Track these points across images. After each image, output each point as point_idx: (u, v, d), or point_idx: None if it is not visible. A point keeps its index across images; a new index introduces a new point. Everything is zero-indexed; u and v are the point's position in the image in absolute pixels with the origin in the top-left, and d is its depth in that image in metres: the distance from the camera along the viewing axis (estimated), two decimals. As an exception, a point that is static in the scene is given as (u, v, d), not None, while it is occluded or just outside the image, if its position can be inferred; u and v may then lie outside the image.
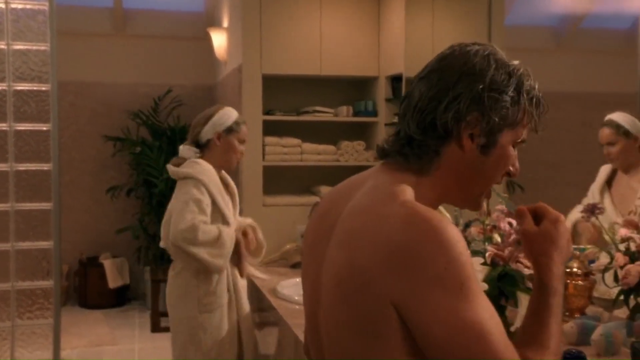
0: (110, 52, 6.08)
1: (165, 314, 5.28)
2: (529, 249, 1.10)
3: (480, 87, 1.00)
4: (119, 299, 5.95)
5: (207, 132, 2.73)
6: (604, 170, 2.48)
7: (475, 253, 1.65)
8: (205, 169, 2.67)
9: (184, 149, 2.78)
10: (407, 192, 1.00)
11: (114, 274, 5.84)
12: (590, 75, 3.20)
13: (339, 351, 1.01)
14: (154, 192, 5.64)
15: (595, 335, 1.62)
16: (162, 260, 5.82)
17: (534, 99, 1.05)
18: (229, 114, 2.77)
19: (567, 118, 3.08)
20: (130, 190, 5.90)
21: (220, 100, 5.31)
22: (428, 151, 1.03)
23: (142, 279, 6.02)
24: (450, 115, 1.00)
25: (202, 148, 2.74)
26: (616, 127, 2.37)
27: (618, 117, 2.40)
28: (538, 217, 1.11)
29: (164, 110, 5.98)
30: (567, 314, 1.96)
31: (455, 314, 0.88)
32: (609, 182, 2.47)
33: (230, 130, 2.72)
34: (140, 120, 5.90)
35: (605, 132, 2.40)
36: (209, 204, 2.62)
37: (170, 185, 5.57)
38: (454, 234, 0.92)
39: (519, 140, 1.07)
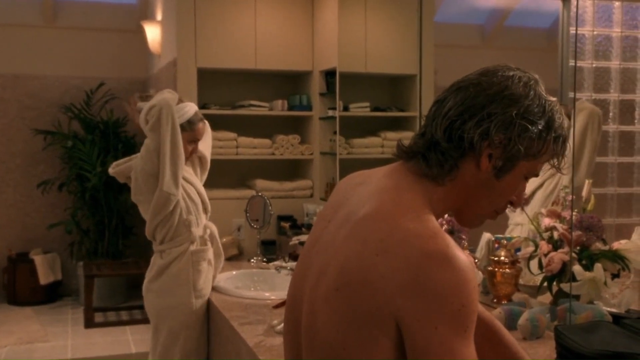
0: (40, 44, 5.93)
1: (100, 309, 5.27)
2: None
3: (514, 112, 1.03)
4: (51, 295, 5.82)
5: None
6: None
7: None
8: None
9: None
10: (429, 209, 1.02)
11: (46, 270, 5.71)
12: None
13: (324, 333, 1.03)
14: (87, 186, 5.55)
15: (522, 320, 1.71)
16: (95, 255, 5.74)
17: (560, 139, 1.08)
18: (185, 110, 2.73)
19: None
20: (62, 184, 5.79)
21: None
22: (449, 160, 1.05)
23: (75, 274, 5.91)
24: (478, 131, 1.02)
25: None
26: None
27: None
28: None
29: (97, 104, 5.88)
30: (494, 300, 2.08)
31: (451, 352, 0.91)
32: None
33: (182, 128, 2.67)
34: (72, 114, 5.79)
35: None
36: None
37: (105, 179, 5.51)
38: (473, 276, 0.95)
39: (533, 173, 1.10)
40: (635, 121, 2.61)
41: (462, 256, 0.95)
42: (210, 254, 2.79)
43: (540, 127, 1.04)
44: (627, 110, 2.60)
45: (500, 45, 3.48)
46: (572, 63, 2.63)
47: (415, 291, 0.92)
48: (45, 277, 5.68)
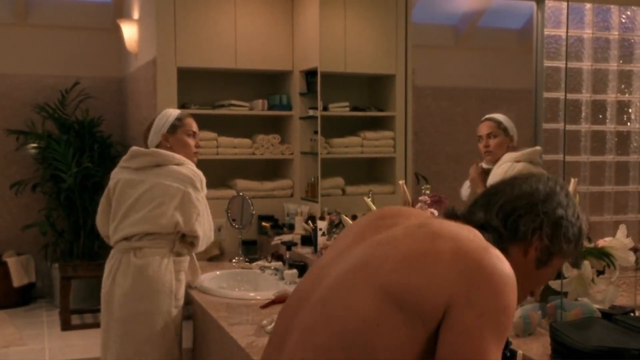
0: (12, 42, 5.81)
1: (76, 311, 5.20)
2: None
3: (562, 214, 1.21)
4: (24, 297, 5.73)
5: (153, 140, 2.74)
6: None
7: None
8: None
9: (155, 151, 2.77)
10: None
11: (19, 272, 5.61)
12: (488, 72, 3.37)
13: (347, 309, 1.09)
14: (62, 187, 5.47)
15: (515, 317, 1.75)
16: (70, 256, 5.67)
17: (581, 246, 1.27)
18: (167, 114, 2.78)
19: (466, 112, 3.25)
20: (36, 185, 5.70)
21: (133, 93, 5.23)
22: (502, 243, 1.19)
23: (49, 276, 5.83)
24: (533, 225, 1.20)
25: None
26: (497, 122, 2.58)
27: (498, 116, 2.62)
28: None
29: (72, 103, 5.80)
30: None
31: (484, 342, 1.02)
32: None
33: (174, 127, 2.72)
34: (46, 114, 5.69)
35: (488, 124, 2.60)
36: None
37: (80, 180, 5.44)
38: (516, 293, 1.09)
39: (558, 270, 1.28)
40: (607, 121, 2.67)
41: (511, 269, 1.10)
42: (186, 265, 2.76)
43: (576, 231, 1.23)
44: (598, 110, 2.66)
45: (473, 46, 3.52)
46: (547, 64, 2.69)
47: (472, 279, 1.05)
48: (18, 279, 5.58)
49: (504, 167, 2.44)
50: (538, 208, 1.20)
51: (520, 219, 1.20)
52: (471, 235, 1.14)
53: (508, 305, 1.05)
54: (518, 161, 2.44)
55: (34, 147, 5.72)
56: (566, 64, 2.25)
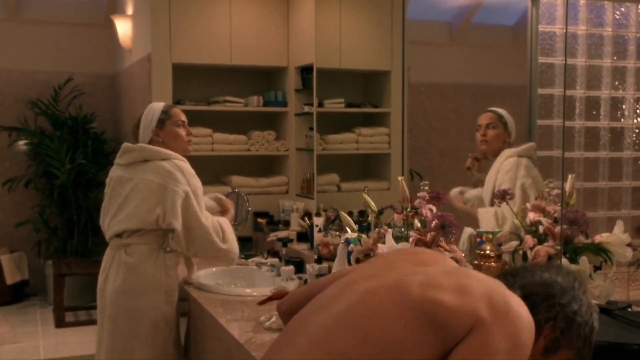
0: (4, 38, 5.77)
1: (70, 309, 5.18)
2: None
3: (577, 309, 1.24)
4: (17, 295, 5.70)
5: (144, 136, 2.70)
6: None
7: (397, 239, 1.77)
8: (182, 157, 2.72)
9: (142, 146, 2.71)
10: None
11: (12, 269, 5.59)
12: (481, 68, 3.38)
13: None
14: (56, 183, 5.45)
15: None
16: (64, 253, 5.65)
17: (592, 342, 1.27)
18: (153, 109, 2.73)
19: (460, 109, 3.25)
20: (29, 182, 5.67)
21: (126, 89, 5.21)
22: None
23: (42, 273, 5.80)
24: (548, 315, 1.23)
25: None
26: (499, 115, 2.59)
27: (501, 110, 2.62)
28: None
29: (65, 99, 5.77)
30: None
31: None
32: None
33: (161, 121, 2.68)
34: (38, 110, 5.66)
35: (490, 115, 2.61)
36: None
37: (73, 176, 5.42)
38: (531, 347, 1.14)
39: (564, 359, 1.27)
40: (601, 117, 2.68)
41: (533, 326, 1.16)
42: (178, 260, 2.73)
43: (587, 330, 1.25)
44: (592, 106, 2.67)
45: (467, 42, 3.52)
46: (541, 60, 2.70)
47: (500, 310, 1.11)
48: (11, 276, 5.56)
49: (511, 162, 2.44)
50: (555, 299, 1.24)
51: (536, 306, 1.22)
52: (499, 284, 1.20)
53: (524, 345, 1.10)
54: (521, 156, 2.44)
55: (25, 144, 5.70)
56: (565, 60, 2.26)
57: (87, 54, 5.95)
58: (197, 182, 2.68)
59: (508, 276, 1.29)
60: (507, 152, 2.50)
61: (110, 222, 2.69)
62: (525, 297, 1.21)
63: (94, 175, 5.57)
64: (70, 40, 5.92)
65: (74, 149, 5.54)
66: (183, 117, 2.75)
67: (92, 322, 5.13)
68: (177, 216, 2.57)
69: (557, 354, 1.24)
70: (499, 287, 1.17)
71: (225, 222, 2.80)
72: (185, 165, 2.67)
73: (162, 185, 2.58)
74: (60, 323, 4.97)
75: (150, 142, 2.71)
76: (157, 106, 2.75)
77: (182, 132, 2.72)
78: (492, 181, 2.44)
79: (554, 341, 1.23)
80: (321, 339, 1.14)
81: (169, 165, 2.61)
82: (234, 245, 2.78)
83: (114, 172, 2.75)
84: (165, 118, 2.70)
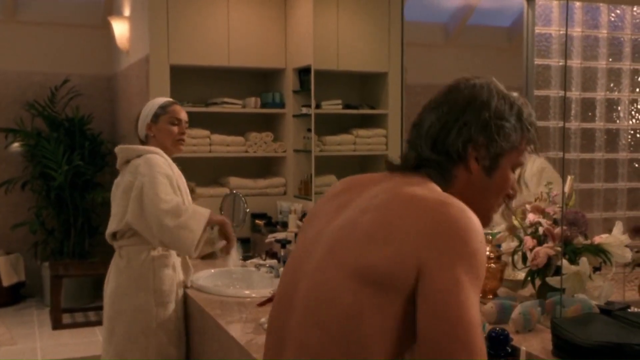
0: (1, 39, 5.76)
1: (67, 310, 5.17)
2: None
3: (487, 115, 1.14)
4: (14, 296, 5.69)
5: (141, 130, 2.66)
6: None
7: None
8: (159, 149, 2.59)
9: (121, 147, 2.65)
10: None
11: (9, 271, 5.58)
12: (478, 70, 3.39)
13: (328, 295, 1.07)
14: (52, 185, 5.44)
15: (515, 314, 1.75)
16: (61, 255, 5.64)
17: (532, 127, 1.19)
18: (152, 103, 2.68)
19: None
20: (25, 183, 5.66)
21: (123, 91, 5.21)
22: (445, 172, 1.15)
23: (39, 274, 5.79)
24: (460, 140, 1.14)
25: (145, 145, 2.67)
26: None
27: None
28: None
29: (62, 101, 5.76)
30: (480, 295, 2.12)
31: (464, 293, 0.99)
32: None
33: (157, 115, 2.61)
34: (35, 111, 5.66)
35: None
36: (176, 181, 2.56)
37: (70, 178, 5.41)
38: (482, 233, 1.05)
39: (518, 163, 1.20)
40: (596, 119, 2.69)
41: (474, 215, 1.06)
42: (173, 259, 2.67)
43: (513, 122, 1.16)
44: (588, 108, 2.68)
45: (462, 44, 3.54)
46: (537, 61, 2.71)
47: (436, 236, 1.02)
48: (8, 278, 5.55)
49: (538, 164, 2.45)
50: (459, 122, 1.14)
51: (447, 139, 1.14)
52: (421, 191, 1.09)
53: (477, 250, 1.02)
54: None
55: (20, 146, 5.69)
56: (565, 62, 2.27)
57: (84, 55, 5.94)
58: (160, 170, 2.51)
59: (415, 129, 1.19)
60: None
61: (108, 225, 2.70)
62: (435, 140, 1.14)
63: (91, 177, 5.57)
64: (67, 41, 5.91)
65: (71, 150, 5.54)
66: (181, 116, 2.68)
67: (89, 323, 5.14)
68: (133, 210, 2.49)
69: (501, 165, 1.17)
70: (424, 202, 1.06)
71: (197, 211, 2.55)
72: (155, 157, 2.55)
73: (133, 182, 2.51)
74: (57, 325, 4.96)
75: (146, 137, 2.69)
76: (158, 101, 2.69)
77: (174, 129, 2.64)
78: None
79: (485, 157, 1.15)
80: (300, 342, 1.10)
81: (141, 160, 2.54)
82: (186, 230, 2.48)
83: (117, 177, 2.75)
84: (160, 113, 2.64)
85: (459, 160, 1.14)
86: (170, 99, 2.76)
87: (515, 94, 1.20)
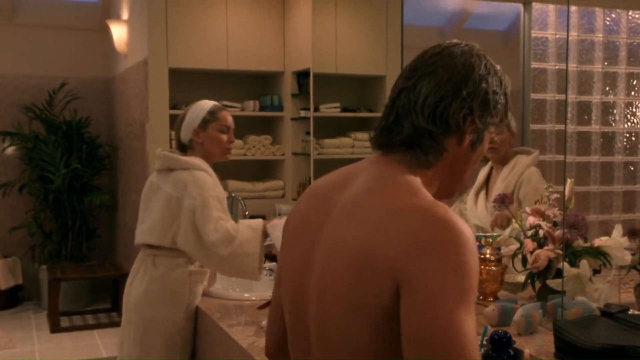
0: (-2, 42, 5.78)
1: (65, 314, 5.16)
2: None
3: (486, 89, 1.10)
4: (11, 300, 5.68)
5: (185, 134, 2.51)
6: (482, 173, 2.69)
7: None
8: (204, 162, 2.47)
9: (165, 154, 2.51)
10: (422, 186, 1.06)
11: (6, 274, 5.57)
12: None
13: (330, 321, 1.04)
14: (50, 188, 5.44)
15: (517, 316, 1.76)
16: (58, 258, 5.63)
17: (508, 99, 1.16)
18: (200, 107, 2.53)
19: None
20: (23, 186, 5.66)
21: (121, 94, 5.21)
22: (439, 144, 1.09)
23: (36, 278, 5.79)
24: (463, 113, 1.08)
25: (187, 150, 2.53)
26: None
27: None
28: None
29: (59, 104, 5.76)
30: (481, 298, 2.13)
31: (451, 314, 0.92)
32: (486, 183, 2.69)
33: (205, 122, 2.48)
34: (33, 114, 5.65)
35: None
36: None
37: (68, 181, 5.41)
38: (472, 240, 0.98)
39: (492, 136, 1.19)
40: (592, 122, 2.71)
41: (461, 221, 0.99)
42: (206, 277, 2.61)
43: (502, 97, 1.13)
44: (584, 111, 2.69)
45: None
46: (534, 65, 2.72)
47: (418, 252, 0.95)
48: (5, 281, 5.54)
49: (532, 171, 2.47)
50: (462, 92, 1.08)
51: (447, 110, 1.07)
52: (401, 196, 1.02)
53: (465, 262, 0.95)
54: (536, 165, 2.47)
55: (18, 149, 5.69)
56: (567, 66, 2.28)
57: (82, 58, 5.95)
58: (209, 192, 2.43)
59: (405, 94, 1.10)
60: (523, 159, 2.51)
61: (138, 228, 2.61)
62: (434, 109, 1.07)
63: (89, 180, 5.57)
64: (65, 44, 5.92)
65: (69, 153, 5.54)
66: (229, 123, 2.56)
67: (87, 327, 5.14)
68: (187, 237, 2.42)
69: (485, 139, 1.14)
70: (405, 214, 0.99)
71: (250, 227, 2.46)
72: (203, 175, 2.46)
73: (179, 199, 2.42)
74: (55, 328, 4.95)
75: (190, 142, 2.55)
76: (206, 105, 2.54)
77: (223, 137, 2.53)
78: (509, 189, 2.44)
79: (477, 133, 1.11)
80: None
81: (187, 175, 2.44)
82: (242, 256, 2.44)
83: (152, 176, 2.63)
84: (210, 119, 2.50)
85: (454, 133, 1.09)
86: (217, 104, 2.60)
87: (498, 66, 1.17)
